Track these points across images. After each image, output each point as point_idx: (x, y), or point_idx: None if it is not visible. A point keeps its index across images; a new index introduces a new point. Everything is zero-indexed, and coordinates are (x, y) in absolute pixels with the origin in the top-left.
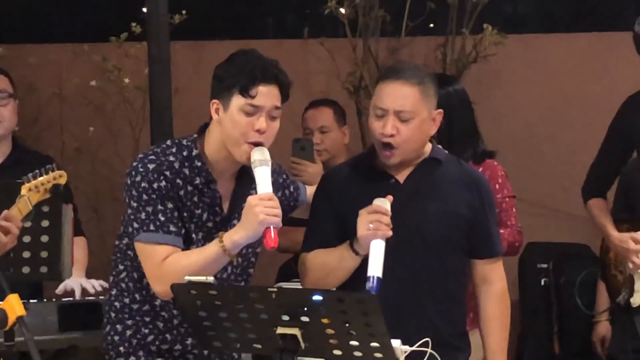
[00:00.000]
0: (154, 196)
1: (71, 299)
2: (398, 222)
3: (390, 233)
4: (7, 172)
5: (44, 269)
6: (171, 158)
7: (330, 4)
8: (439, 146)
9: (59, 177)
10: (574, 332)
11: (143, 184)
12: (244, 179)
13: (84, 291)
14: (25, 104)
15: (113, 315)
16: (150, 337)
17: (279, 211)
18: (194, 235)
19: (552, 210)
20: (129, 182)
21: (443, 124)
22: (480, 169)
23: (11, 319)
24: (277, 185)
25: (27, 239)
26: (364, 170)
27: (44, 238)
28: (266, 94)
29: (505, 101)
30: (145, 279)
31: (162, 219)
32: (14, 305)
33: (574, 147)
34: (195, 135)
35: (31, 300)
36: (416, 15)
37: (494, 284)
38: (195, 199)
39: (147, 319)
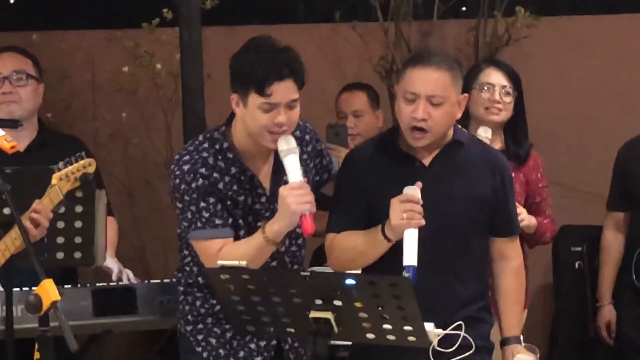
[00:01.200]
0: (195, 195)
1: (105, 284)
2: (424, 204)
3: (423, 222)
4: (34, 155)
5: (77, 255)
6: (204, 154)
7: None
8: (459, 127)
9: (88, 165)
10: (619, 313)
11: (182, 186)
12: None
13: (119, 278)
14: (58, 90)
15: (182, 289)
16: (218, 307)
17: (310, 197)
18: (241, 221)
19: (585, 193)
20: (171, 184)
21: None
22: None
23: (45, 304)
24: (315, 153)
25: (60, 224)
26: (388, 151)
27: (78, 224)
28: (282, 90)
29: (538, 84)
30: None
31: (207, 215)
32: (48, 291)
33: (607, 130)
34: (224, 128)
35: (65, 286)
36: None
37: (511, 260)
38: (235, 187)
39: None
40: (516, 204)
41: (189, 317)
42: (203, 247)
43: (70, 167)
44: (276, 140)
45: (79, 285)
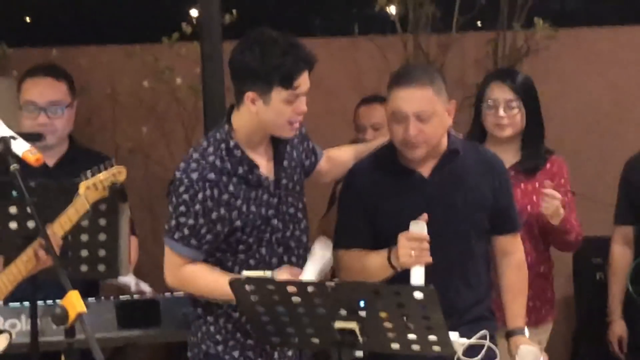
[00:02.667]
0: (191, 209)
1: (129, 296)
2: (427, 214)
3: (430, 259)
4: (63, 170)
5: (101, 268)
6: (211, 158)
7: (381, 0)
8: (453, 133)
9: (118, 173)
10: (631, 327)
11: (184, 196)
12: (278, 141)
13: (140, 292)
14: (78, 105)
15: (200, 310)
16: (244, 319)
17: None
18: (251, 216)
19: (606, 204)
20: (172, 188)
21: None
22: (548, 165)
23: (71, 315)
24: (301, 136)
25: (84, 237)
26: (388, 165)
27: (102, 236)
28: (305, 80)
29: (557, 95)
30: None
31: (187, 232)
32: (74, 302)
33: (626, 141)
34: (228, 127)
35: (89, 298)
36: (466, 11)
37: (513, 255)
38: (244, 185)
39: (234, 303)
40: (549, 189)
41: (217, 336)
42: (169, 254)
43: (98, 176)
44: (296, 129)
45: (102, 298)
